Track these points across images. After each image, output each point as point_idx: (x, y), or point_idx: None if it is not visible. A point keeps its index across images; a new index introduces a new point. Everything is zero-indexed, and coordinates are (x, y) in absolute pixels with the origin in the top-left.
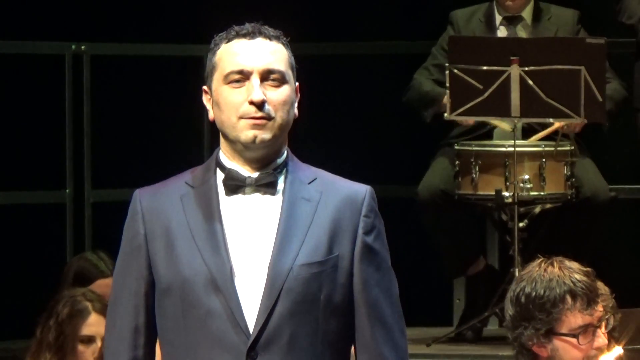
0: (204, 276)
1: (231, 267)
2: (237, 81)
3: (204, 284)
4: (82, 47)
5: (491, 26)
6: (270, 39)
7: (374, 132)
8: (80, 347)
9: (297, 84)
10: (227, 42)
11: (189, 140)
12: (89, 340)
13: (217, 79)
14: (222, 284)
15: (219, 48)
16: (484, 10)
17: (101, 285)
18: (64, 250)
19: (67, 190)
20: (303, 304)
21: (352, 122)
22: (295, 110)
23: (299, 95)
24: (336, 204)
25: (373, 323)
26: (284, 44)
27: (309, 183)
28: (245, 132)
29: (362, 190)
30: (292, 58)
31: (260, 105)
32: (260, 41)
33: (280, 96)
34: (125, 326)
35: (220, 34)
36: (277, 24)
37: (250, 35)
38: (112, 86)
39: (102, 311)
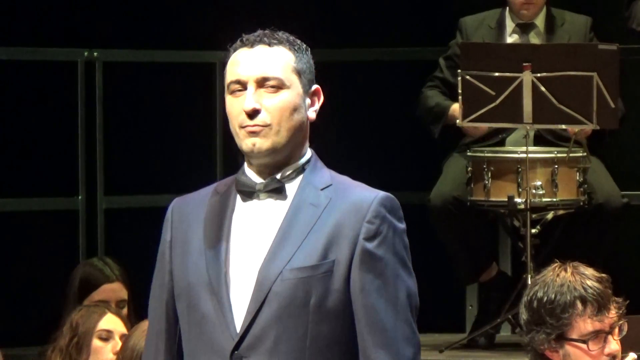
0: (204, 281)
1: (226, 272)
2: (238, 90)
3: (204, 290)
4: (95, 53)
5: (502, 33)
6: (270, 45)
7: (385, 138)
8: (99, 343)
9: (315, 87)
10: (234, 51)
11: (201, 146)
12: (108, 334)
13: (225, 89)
14: (217, 288)
15: (229, 58)
16: (494, 16)
17: (107, 290)
18: (76, 257)
19: (80, 197)
20: (290, 308)
21: (363, 129)
22: (310, 114)
23: (321, 98)
24: (342, 209)
25: (368, 328)
26: (290, 49)
27: (323, 189)
28: (245, 141)
29: (371, 196)
30: (303, 62)
31: (251, 114)
32: (259, 49)
33: (277, 102)
34: (150, 331)
35: (234, 44)
36: (288, 30)
37: (252, 43)
38: (125, 93)
39: (118, 314)
